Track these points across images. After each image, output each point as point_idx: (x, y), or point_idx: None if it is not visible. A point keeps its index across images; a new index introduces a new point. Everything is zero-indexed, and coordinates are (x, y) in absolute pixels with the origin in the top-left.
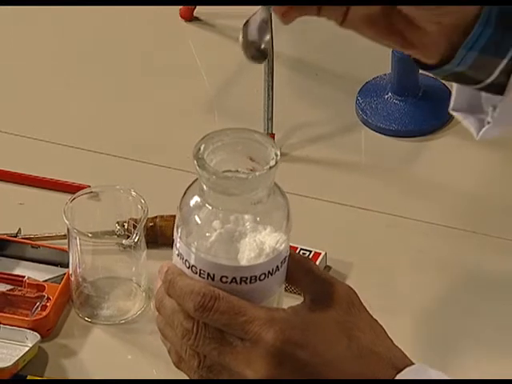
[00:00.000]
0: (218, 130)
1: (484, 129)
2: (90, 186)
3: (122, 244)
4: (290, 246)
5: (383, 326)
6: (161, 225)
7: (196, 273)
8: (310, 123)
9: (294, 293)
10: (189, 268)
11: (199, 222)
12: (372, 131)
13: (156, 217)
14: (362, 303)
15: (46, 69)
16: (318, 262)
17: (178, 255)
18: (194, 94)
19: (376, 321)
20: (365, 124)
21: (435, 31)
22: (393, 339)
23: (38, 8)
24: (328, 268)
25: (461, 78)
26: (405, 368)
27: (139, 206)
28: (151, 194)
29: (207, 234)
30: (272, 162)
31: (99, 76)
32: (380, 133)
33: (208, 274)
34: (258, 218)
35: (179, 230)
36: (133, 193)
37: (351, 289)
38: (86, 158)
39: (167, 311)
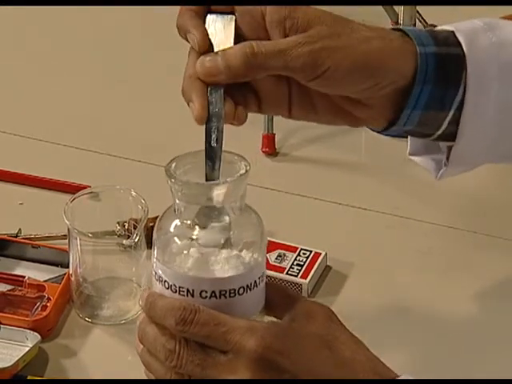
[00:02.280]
0: (187, 153)
1: (442, 170)
2: (90, 186)
3: (123, 244)
4: (291, 247)
5: (383, 327)
6: None
7: (176, 291)
8: (310, 124)
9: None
10: (168, 288)
11: (177, 242)
12: (372, 131)
13: (156, 217)
14: (340, 321)
15: (46, 69)
16: (318, 262)
17: (156, 279)
18: None
19: (356, 336)
20: None
21: (379, 103)
22: (393, 339)
23: (40, 7)
24: (328, 268)
25: (411, 134)
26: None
27: (139, 206)
28: (152, 194)
29: (184, 252)
30: (242, 171)
31: (101, 76)
32: (380, 133)
33: (187, 291)
34: (234, 234)
35: (156, 253)
36: (133, 193)
37: (329, 308)
38: (87, 158)
39: (149, 338)
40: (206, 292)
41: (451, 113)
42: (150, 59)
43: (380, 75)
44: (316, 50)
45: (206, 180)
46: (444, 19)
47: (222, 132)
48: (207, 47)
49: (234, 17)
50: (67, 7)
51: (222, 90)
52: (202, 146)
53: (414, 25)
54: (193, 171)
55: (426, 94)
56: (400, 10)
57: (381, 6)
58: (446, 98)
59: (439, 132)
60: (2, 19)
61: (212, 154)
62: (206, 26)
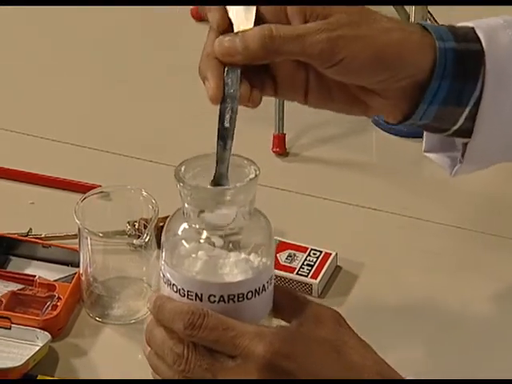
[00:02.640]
0: (197, 156)
1: (456, 167)
2: (100, 186)
3: (133, 244)
4: (301, 247)
5: (394, 327)
6: None
7: (184, 295)
8: (321, 124)
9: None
10: (176, 292)
11: (185, 245)
12: (383, 132)
13: (167, 217)
14: (348, 325)
15: (57, 69)
16: (328, 263)
17: (165, 282)
18: (204, 94)
19: (364, 340)
20: (376, 125)
21: (395, 95)
22: (403, 340)
23: (42, 7)
24: (339, 268)
25: (426, 128)
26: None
27: (150, 206)
28: (162, 193)
29: (193, 256)
30: (252, 176)
31: (110, 76)
32: (391, 133)
33: (196, 295)
34: (242, 237)
35: (165, 256)
36: (144, 193)
37: (337, 312)
38: (97, 157)
39: (157, 341)
40: (215, 296)
41: (468, 109)
42: (161, 59)
43: (397, 68)
44: (334, 38)
45: (217, 160)
46: (455, 20)
47: (236, 113)
48: (226, 27)
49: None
50: (70, 7)
51: (239, 71)
52: (213, 146)
53: None
54: (202, 174)
55: (444, 90)
56: (411, 10)
57: (392, 7)
58: (463, 93)
59: (455, 127)
60: (6, 19)
61: (224, 134)
62: (228, 7)
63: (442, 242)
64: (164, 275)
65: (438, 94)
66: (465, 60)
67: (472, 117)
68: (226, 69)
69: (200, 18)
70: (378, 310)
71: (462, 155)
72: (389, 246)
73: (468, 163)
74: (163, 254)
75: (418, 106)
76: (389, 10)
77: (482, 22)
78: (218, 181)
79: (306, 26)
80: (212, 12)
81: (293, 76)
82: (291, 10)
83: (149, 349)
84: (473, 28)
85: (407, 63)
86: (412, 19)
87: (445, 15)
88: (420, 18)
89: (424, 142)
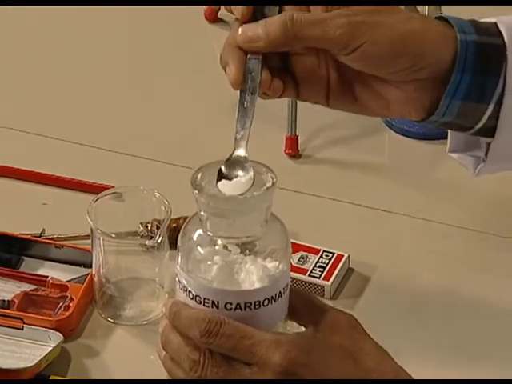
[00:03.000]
0: (213, 162)
1: (480, 166)
2: (113, 187)
3: (146, 245)
4: (314, 249)
5: (406, 329)
6: None
7: (200, 302)
8: (334, 125)
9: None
10: (192, 299)
11: (201, 251)
12: (396, 133)
13: (179, 218)
14: (364, 330)
15: (71, 69)
16: (340, 264)
17: (181, 289)
18: (217, 95)
19: (380, 346)
20: (389, 126)
21: (415, 88)
22: (416, 342)
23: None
24: (351, 270)
25: (450, 126)
26: None
27: (163, 207)
28: (175, 194)
29: (209, 263)
30: (268, 184)
31: (123, 77)
32: (404, 135)
33: (212, 302)
34: (258, 246)
35: (181, 262)
36: (156, 194)
37: (353, 317)
38: (110, 158)
39: (173, 346)
40: (231, 304)
41: (491, 106)
42: (174, 60)
43: (418, 56)
44: (355, 23)
45: (236, 140)
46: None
47: (256, 96)
48: (251, 17)
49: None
50: (85, 7)
51: (261, 58)
52: (226, 147)
53: None
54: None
55: (466, 83)
56: (424, 11)
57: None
58: (485, 88)
59: (479, 126)
60: (18, 18)
61: (243, 114)
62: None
63: (454, 243)
64: (180, 281)
65: (459, 87)
66: (486, 53)
67: (495, 115)
68: (248, 56)
69: (213, 20)
70: (391, 311)
71: (486, 154)
72: (401, 248)
73: (491, 163)
74: (179, 259)
75: (439, 100)
76: None
77: (504, 17)
78: (233, 162)
79: (328, 13)
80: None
81: (314, 75)
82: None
83: (164, 353)
84: (495, 23)
85: (428, 52)
86: None
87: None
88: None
89: (448, 141)
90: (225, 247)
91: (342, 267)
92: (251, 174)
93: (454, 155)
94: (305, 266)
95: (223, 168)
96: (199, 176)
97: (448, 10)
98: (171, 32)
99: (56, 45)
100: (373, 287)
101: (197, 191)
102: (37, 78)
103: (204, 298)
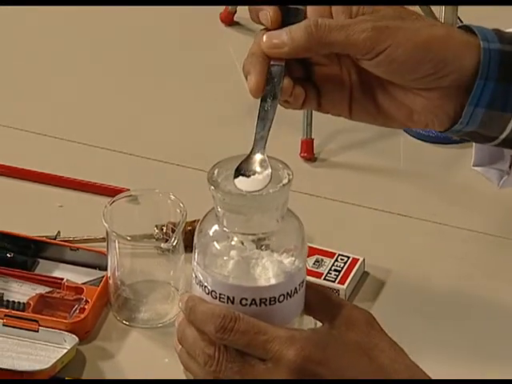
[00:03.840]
0: (229, 157)
1: (504, 178)
2: (129, 190)
3: (161, 247)
4: (329, 253)
5: (421, 332)
6: None
7: (216, 298)
8: (349, 129)
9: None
10: (208, 294)
11: (217, 247)
12: (411, 137)
13: (194, 221)
14: (381, 327)
15: (88, 73)
16: (356, 268)
17: (197, 283)
18: (233, 98)
19: (396, 343)
20: (404, 130)
21: (439, 96)
22: (431, 345)
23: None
24: (366, 274)
25: (474, 137)
26: None
27: (178, 210)
28: (190, 197)
29: (225, 258)
30: (285, 181)
31: (139, 80)
32: (419, 139)
33: (228, 298)
34: (274, 242)
35: (197, 257)
36: (172, 196)
37: (370, 313)
38: (126, 161)
39: (189, 340)
40: (247, 300)
41: None
42: (190, 63)
43: (441, 62)
44: (379, 27)
45: (255, 139)
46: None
47: (277, 100)
48: (278, 24)
49: (303, 9)
50: (105, 8)
51: (283, 65)
52: (242, 151)
53: None
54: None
55: (489, 91)
56: (441, 16)
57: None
58: (509, 97)
59: (503, 136)
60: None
61: (264, 116)
62: None
63: (469, 247)
64: (196, 276)
65: (483, 95)
66: (510, 62)
67: None
68: (271, 63)
69: (229, 23)
70: (406, 315)
71: (510, 166)
72: (416, 252)
73: None
74: (195, 254)
75: (463, 109)
76: None
77: None
78: (251, 159)
79: (352, 19)
80: (265, 10)
81: (336, 85)
82: (336, 10)
83: (180, 346)
84: None
85: (450, 59)
86: None
87: (475, 21)
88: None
89: (473, 155)
90: (241, 243)
91: (357, 271)
92: (269, 170)
93: (478, 169)
94: (320, 270)
95: (241, 165)
96: (216, 172)
97: (464, 16)
98: (187, 35)
99: (78, 50)
100: (388, 291)
101: (213, 187)
102: (55, 80)
103: (219, 294)
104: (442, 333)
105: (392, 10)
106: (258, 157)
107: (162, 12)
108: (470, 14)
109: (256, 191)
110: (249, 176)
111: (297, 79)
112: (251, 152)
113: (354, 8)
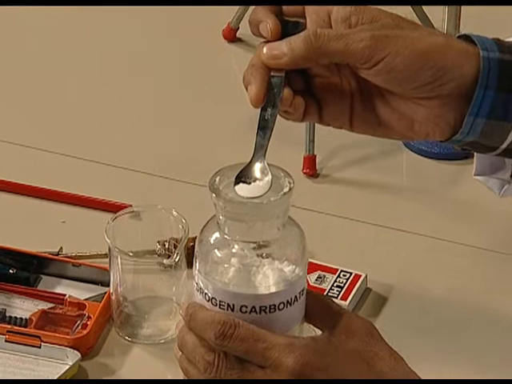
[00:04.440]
0: (231, 165)
1: (505, 187)
2: (131, 206)
3: (163, 263)
4: (331, 269)
5: (424, 348)
6: None
7: (216, 305)
8: (351, 145)
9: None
10: (209, 301)
11: (218, 255)
12: (414, 153)
13: (197, 237)
14: (381, 335)
15: (91, 89)
16: (358, 284)
17: (197, 290)
18: (235, 114)
19: (395, 352)
20: (406, 146)
21: (439, 104)
22: (434, 361)
23: (78, 13)
24: (368, 290)
25: (475, 147)
26: None
27: (180, 226)
28: (192, 213)
29: (225, 266)
30: (286, 189)
31: (142, 96)
32: (422, 155)
33: (228, 305)
34: (275, 249)
35: (198, 264)
36: (174, 212)
37: (370, 322)
38: (128, 177)
39: (189, 347)
40: (247, 307)
41: None
42: (193, 79)
43: (440, 70)
44: (378, 36)
45: (255, 148)
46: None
47: (277, 110)
48: (278, 36)
49: (303, 22)
50: (108, 27)
51: (284, 75)
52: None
53: None
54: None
55: (489, 100)
56: (444, 26)
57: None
58: (510, 106)
59: (504, 146)
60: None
61: (265, 125)
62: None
63: (471, 263)
64: (197, 283)
65: (482, 104)
66: (509, 71)
67: None
68: (271, 73)
69: (232, 39)
70: (408, 331)
71: (511, 176)
72: (419, 268)
73: None
74: (196, 262)
75: (463, 119)
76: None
77: None
78: (252, 167)
79: (351, 29)
80: (265, 21)
81: (336, 97)
82: (335, 20)
83: (180, 353)
84: None
85: (449, 67)
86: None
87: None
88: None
89: (475, 164)
90: (242, 250)
91: (359, 287)
92: (269, 177)
93: (479, 178)
94: (322, 286)
95: (242, 172)
96: (217, 180)
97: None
98: (190, 52)
99: (70, 63)
100: (390, 307)
101: (214, 195)
102: (56, 97)
103: (220, 301)
104: (445, 348)
105: (391, 19)
106: (258, 165)
107: (165, 29)
108: (471, 24)
109: (257, 198)
110: (249, 183)
111: (297, 92)
112: (251, 160)
113: (354, 18)
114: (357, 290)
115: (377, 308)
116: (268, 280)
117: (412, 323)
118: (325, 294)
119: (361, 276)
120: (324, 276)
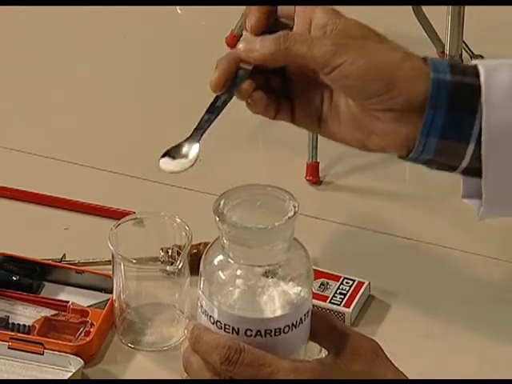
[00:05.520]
0: (236, 187)
1: (481, 210)
2: (134, 213)
3: (166, 270)
4: (334, 276)
5: (427, 356)
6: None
7: (221, 328)
8: (354, 152)
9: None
10: (214, 324)
11: (222, 277)
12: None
13: (200, 244)
14: (386, 355)
15: (94, 97)
16: (361, 292)
17: (202, 312)
18: (238, 122)
19: (401, 372)
20: None
21: (390, 119)
22: (436, 369)
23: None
24: (371, 297)
25: (436, 165)
26: None
27: (183, 233)
28: (195, 220)
29: (230, 289)
30: (290, 213)
31: (144, 104)
32: None
33: (233, 329)
34: (280, 271)
35: (203, 287)
36: (177, 219)
37: (375, 342)
38: (131, 184)
39: (194, 369)
40: (252, 331)
41: (471, 145)
42: (195, 87)
43: (390, 83)
44: (338, 44)
45: (195, 128)
46: (491, 50)
47: (230, 99)
48: (259, 32)
49: (292, 25)
50: (112, 31)
51: (250, 69)
52: (247, 173)
53: (461, 55)
54: (242, 206)
55: (440, 121)
56: (446, 40)
57: (427, 36)
58: (462, 126)
59: (464, 165)
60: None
61: (212, 110)
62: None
63: (474, 271)
64: (201, 305)
65: (433, 125)
66: (459, 93)
67: (478, 156)
68: (240, 65)
69: (234, 46)
70: (411, 339)
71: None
72: (422, 276)
73: (488, 205)
74: (201, 283)
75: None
76: (424, 40)
77: (489, 60)
78: (183, 145)
79: (318, 35)
80: (249, 16)
81: (309, 102)
82: (315, 27)
83: (185, 374)
84: (476, 64)
85: (399, 82)
86: (447, 49)
87: (480, 46)
88: (455, 48)
89: (461, 187)
90: (246, 273)
91: (362, 294)
92: (194, 157)
93: (465, 201)
94: (325, 293)
95: (171, 148)
96: (222, 203)
97: (469, 41)
98: (193, 59)
99: (70, 68)
100: (393, 315)
101: (218, 219)
102: (61, 103)
103: (225, 324)
104: (448, 357)
105: (361, 31)
106: (190, 144)
107: (167, 36)
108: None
109: (261, 225)
110: (175, 158)
111: (273, 90)
112: (186, 138)
113: (329, 27)
114: (360, 298)
115: (379, 315)
116: (273, 303)
117: (415, 331)
118: (328, 301)
119: (364, 283)
120: (327, 283)
